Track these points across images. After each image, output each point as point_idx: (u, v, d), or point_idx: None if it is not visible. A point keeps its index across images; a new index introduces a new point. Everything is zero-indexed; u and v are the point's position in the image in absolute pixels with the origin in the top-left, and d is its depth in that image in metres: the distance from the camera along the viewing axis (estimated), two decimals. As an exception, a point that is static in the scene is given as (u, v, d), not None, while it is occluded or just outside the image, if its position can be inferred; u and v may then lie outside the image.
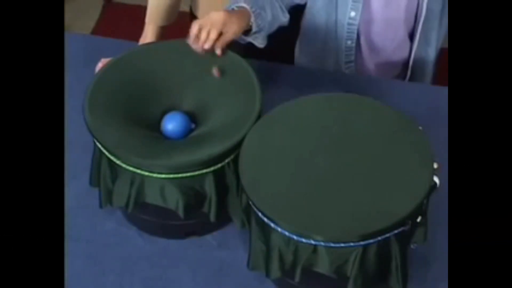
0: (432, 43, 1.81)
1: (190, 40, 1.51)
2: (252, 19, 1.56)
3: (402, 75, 1.89)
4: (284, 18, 1.70)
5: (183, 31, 2.08)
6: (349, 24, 1.76)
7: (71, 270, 1.38)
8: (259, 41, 1.61)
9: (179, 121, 1.47)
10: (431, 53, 1.84)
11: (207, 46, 1.49)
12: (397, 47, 1.83)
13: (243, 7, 1.56)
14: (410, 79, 1.87)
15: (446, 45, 1.83)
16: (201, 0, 1.94)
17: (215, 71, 1.51)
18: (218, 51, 1.51)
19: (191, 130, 1.48)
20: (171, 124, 1.47)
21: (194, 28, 1.50)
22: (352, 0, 1.72)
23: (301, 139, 1.39)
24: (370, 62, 1.85)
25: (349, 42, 1.79)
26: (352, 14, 1.74)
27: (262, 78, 1.49)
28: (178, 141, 1.45)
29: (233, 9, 1.56)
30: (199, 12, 1.95)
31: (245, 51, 1.59)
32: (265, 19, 1.60)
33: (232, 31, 1.52)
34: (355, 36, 1.78)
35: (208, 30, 1.49)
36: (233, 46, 1.57)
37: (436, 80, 1.91)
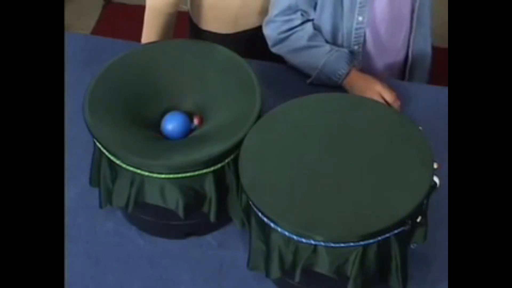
0: (426, 25, 1.82)
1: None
2: None
3: (402, 74, 1.90)
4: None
5: (183, 31, 2.08)
6: (356, 29, 1.76)
7: (71, 270, 1.39)
8: None
9: (179, 121, 1.47)
10: (427, 36, 1.85)
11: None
12: (403, 42, 1.84)
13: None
14: (410, 69, 1.87)
15: (446, 45, 1.84)
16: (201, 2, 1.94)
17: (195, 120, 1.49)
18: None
19: (191, 130, 1.48)
20: (171, 124, 1.47)
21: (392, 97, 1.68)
22: (358, 5, 1.73)
23: (301, 139, 1.39)
24: (378, 62, 1.85)
25: (356, 47, 1.79)
26: (360, 18, 1.74)
27: (262, 78, 1.49)
28: (178, 141, 1.45)
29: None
30: (201, 17, 1.94)
31: (245, 51, 1.59)
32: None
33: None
34: (362, 40, 1.79)
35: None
36: (233, 46, 1.58)
37: (432, 74, 1.92)
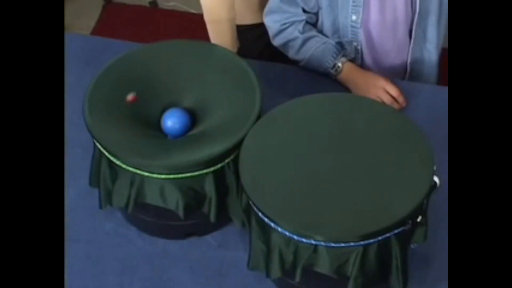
0: (432, 41, 1.81)
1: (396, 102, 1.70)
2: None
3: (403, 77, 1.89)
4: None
5: (183, 31, 2.08)
6: (352, 27, 1.76)
7: (71, 270, 1.39)
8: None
9: (178, 117, 1.47)
10: (433, 53, 1.83)
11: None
12: (399, 49, 1.83)
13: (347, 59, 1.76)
14: (410, 80, 1.87)
15: (446, 45, 1.83)
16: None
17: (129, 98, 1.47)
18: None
19: (192, 126, 1.47)
20: (171, 120, 1.47)
21: (397, 91, 1.69)
22: (352, 4, 1.73)
23: (301, 139, 1.39)
24: (372, 65, 1.85)
25: (355, 44, 1.79)
26: (354, 17, 1.74)
27: (262, 78, 1.49)
28: (178, 140, 1.45)
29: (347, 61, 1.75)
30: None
31: (245, 51, 1.60)
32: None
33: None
34: (359, 39, 1.78)
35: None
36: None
37: (440, 82, 1.90)
